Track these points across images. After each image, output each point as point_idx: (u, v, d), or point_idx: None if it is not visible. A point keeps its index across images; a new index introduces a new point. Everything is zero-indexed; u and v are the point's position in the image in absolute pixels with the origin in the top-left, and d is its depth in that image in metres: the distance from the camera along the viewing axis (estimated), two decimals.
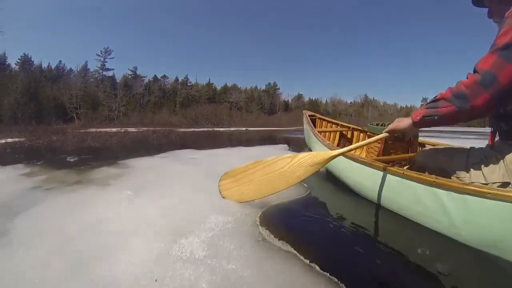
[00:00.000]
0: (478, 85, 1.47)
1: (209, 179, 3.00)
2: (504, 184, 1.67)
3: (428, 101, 1.76)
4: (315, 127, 5.76)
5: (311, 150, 5.26)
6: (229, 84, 71.29)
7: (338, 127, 5.96)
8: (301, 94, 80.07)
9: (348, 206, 2.76)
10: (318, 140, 4.35)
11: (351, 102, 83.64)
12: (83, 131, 16.82)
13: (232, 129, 29.57)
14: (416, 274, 1.53)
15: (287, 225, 2.07)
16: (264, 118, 58.67)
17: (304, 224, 2.12)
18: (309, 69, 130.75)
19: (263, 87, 75.00)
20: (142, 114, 52.05)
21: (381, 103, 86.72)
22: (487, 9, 1.87)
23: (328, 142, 4.11)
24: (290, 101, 77.09)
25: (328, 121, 6.37)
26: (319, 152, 2.30)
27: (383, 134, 2.14)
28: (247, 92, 70.47)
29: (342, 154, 2.35)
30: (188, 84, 67.57)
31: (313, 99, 78.83)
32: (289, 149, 7.22)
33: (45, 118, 38.65)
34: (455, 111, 1.56)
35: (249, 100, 67.59)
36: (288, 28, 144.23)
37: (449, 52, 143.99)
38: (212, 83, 70.27)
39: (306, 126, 5.69)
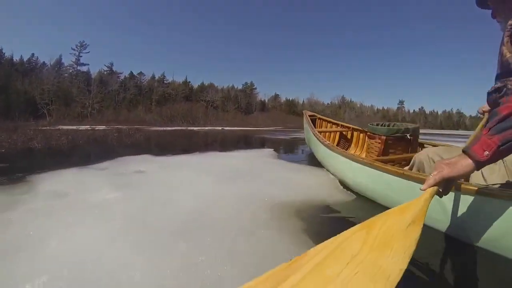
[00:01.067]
0: None
1: (135, 237, 1.76)
2: (504, 185, 1.64)
3: (487, 126, 1.26)
4: (315, 127, 5.84)
5: (311, 150, 5.58)
6: (206, 83, 71.48)
7: (338, 127, 6.06)
8: (278, 94, 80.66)
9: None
10: (318, 140, 4.41)
11: (328, 103, 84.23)
12: (44, 128, 15.09)
13: (207, 128, 28.67)
14: (415, 273, 1.50)
15: None
16: (240, 117, 58.92)
17: None
18: (286, 69, 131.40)
19: (240, 87, 75.48)
20: (116, 112, 51.26)
21: (358, 105, 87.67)
22: (491, 10, 1.76)
23: (328, 142, 4.07)
24: (266, 101, 77.56)
25: (328, 121, 6.47)
26: (407, 204, 1.24)
27: (432, 189, 1.28)
28: (224, 91, 70.67)
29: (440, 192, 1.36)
30: (165, 81, 67.02)
31: (290, 99, 79.00)
32: (277, 156, 5.91)
33: (13, 113, 36.85)
34: None
35: (226, 99, 67.63)
36: (266, 27, 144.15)
37: (426, 54, 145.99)
38: (189, 82, 70.22)
39: (306, 126, 5.79)
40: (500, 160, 1.66)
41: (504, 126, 1.20)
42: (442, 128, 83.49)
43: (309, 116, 6.42)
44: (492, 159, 1.21)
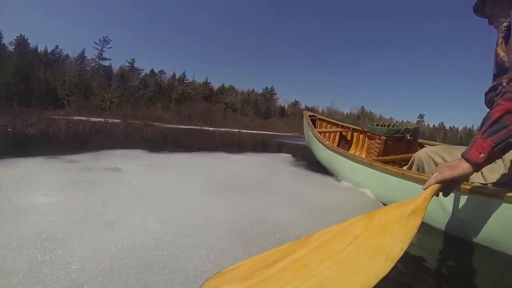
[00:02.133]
0: None
1: None
2: (504, 184, 1.63)
3: (481, 129, 1.36)
4: (315, 128, 5.63)
5: (312, 151, 5.39)
6: (226, 85, 71.09)
7: (338, 127, 5.97)
8: (298, 101, 79.69)
9: None
10: (318, 140, 4.39)
11: (347, 113, 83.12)
12: (55, 117, 14.54)
13: (223, 129, 28.19)
14: (415, 273, 1.41)
15: None
16: (259, 121, 58.26)
17: None
18: (308, 76, 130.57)
19: (260, 91, 74.82)
20: (135, 107, 51.31)
21: (377, 116, 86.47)
22: (487, 18, 1.89)
23: (328, 142, 4.10)
24: (286, 107, 76.83)
25: (328, 122, 6.35)
26: (408, 200, 1.33)
27: (432, 187, 1.36)
28: (244, 95, 70.23)
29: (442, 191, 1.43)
30: (185, 81, 66.99)
31: (310, 106, 78.23)
32: (295, 163, 4.99)
33: (34, 101, 37.05)
34: None
35: (245, 102, 67.02)
36: (290, 33, 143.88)
37: (447, 67, 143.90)
38: (209, 82, 70.09)
39: (306, 127, 5.64)
40: (500, 160, 1.70)
41: (496, 128, 1.28)
42: (462, 144, 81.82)
43: (309, 116, 6.25)
44: (489, 160, 1.31)
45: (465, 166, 1.34)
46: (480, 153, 1.30)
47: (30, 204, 1.69)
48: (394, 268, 1.18)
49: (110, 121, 17.73)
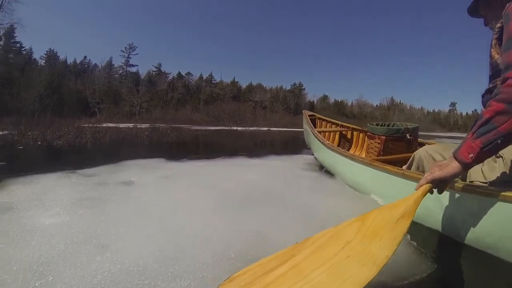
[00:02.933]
0: None
1: None
2: (504, 183, 1.61)
3: (472, 130, 1.38)
4: (315, 127, 5.74)
5: (311, 151, 5.56)
6: (254, 83, 70.70)
7: (338, 127, 5.99)
8: (327, 95, 78.66)
9: None
10: (318, 140, 4.42)
11: (377, 105, 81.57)
12: (85, 125, 14.73)
13: (252, 128, 28.13)
14: (414, 273, 1.41)
15: None
16: (288, 118, 57.49)
17: None
18: (335, 69, 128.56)
19: (289, 87, 73.99)
20: (164, 111, 51.83)
21: (408, 107, 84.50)
22: (483, 19, 1.91)
23: (328, 142, 4.13)
24: (315, 101, 75.88)
25: (328, 121, 6.38)
26: (400, 200, 1.39)
27: (424, 188, 1.40)
28: (272, 92, 69.76)
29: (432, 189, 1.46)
30: (213, 82, 67.49)
31: (338, 100, 77.27)
32: (315, 164, 4.85)
33: (66, 111, 38.31)
34: None
35: (274, 99, 66.61)
36: (315, 28, 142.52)
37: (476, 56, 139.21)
38: (237, 82, 69.91)
39: (306, 126, 5.78)
40: (500, 158, 1.70)
41: (485, 129, 1.30)
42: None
43: (309, 116, 6.37)
44: (477, 160, 1.34)
45: (455, 166, 1.39)
46: (469, 154, 1.33)
47: (37, 225, 1.74)
48: (387, 268, 1.21)
49: (139, 126, 18.07)
